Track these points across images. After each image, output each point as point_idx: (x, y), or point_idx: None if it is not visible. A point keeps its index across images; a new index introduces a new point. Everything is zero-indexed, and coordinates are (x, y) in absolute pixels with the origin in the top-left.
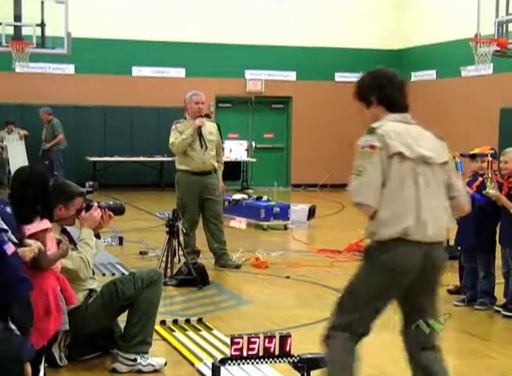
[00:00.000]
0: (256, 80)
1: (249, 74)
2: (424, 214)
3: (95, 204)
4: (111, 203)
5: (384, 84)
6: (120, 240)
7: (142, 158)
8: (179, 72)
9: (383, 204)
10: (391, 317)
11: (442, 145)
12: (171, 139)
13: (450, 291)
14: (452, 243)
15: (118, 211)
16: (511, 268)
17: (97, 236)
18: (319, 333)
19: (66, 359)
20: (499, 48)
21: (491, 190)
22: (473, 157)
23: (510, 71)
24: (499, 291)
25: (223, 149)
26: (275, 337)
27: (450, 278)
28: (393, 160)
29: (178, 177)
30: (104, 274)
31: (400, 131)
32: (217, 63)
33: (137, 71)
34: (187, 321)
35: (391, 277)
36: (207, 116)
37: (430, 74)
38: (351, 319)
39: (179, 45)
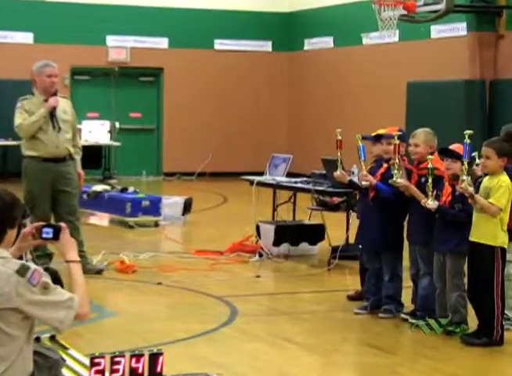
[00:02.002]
0: (120, 47)
1: (111, 40)
2: None
3: None
4: None
5: None
6: None
7: None
8: (26, 37)
9: None
10: None
11: None
12: (18, 120)
13: (350, 297)
14: (352, 241)
15: None
16: (420, 269)
17: None
18: (198, 349)
19: None
20: (405, 12)
21: (398, 179)
22: (377, 138)
23: (418, 39)
24: (406, 295)
25: (80, 130)
26: (144, 355)
27: (350, 282)
28: None
29: (25, 165)
30: None
31: None
32: (72, 26)
33: None
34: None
35: None
36: (55, 94)
37: (327, 42)
38: None
39: (25, 3)
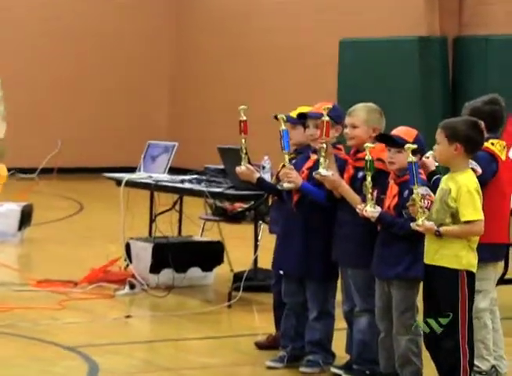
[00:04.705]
0: None
1: None
2: None
3: None
4: None
5: None
6: None
7: None
8: None
9: None
10: None
11: None
12: None
13: (260, 345)
14: (262, 264)
15: None
16: (357, 304)
17: None
18: None
19: None
20: None
21: (324, 170)
22: (301, 119)
23: None
24: (338, 341)
25: None
26: None
27: (259, 323)
28: None
29: None
30: None
31: None
32: None
33: None
34: None
35: None
36: None
37: None
38: None
39: None
